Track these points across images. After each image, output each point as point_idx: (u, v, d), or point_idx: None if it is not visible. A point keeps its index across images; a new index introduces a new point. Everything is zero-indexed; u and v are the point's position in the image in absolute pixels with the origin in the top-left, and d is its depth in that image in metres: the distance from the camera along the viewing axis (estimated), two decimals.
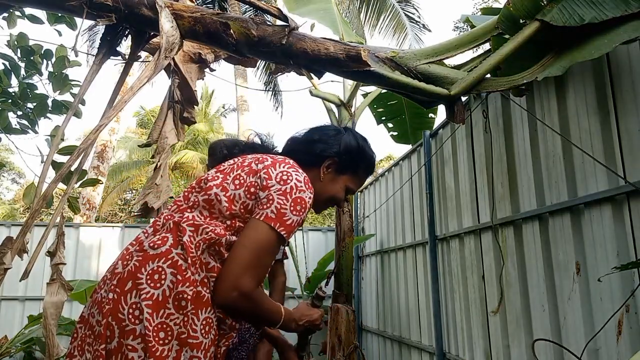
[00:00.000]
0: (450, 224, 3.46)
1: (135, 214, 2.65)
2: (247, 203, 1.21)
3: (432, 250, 3.69)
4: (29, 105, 2.81)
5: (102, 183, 11.56)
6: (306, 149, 1.41)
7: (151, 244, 1.17)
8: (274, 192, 1.20)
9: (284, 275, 2.66)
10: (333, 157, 1.40)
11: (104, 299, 1.14)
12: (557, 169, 2.28)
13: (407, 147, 4.58)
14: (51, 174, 2.15)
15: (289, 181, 1.21)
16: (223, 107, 21.38)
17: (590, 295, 2.03)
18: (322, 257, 5.53)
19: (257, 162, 1.28)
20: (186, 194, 1.28)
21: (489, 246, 2.88)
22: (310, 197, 1.24)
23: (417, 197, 4.18)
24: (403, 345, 4.40)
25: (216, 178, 1.26)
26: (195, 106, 2.75)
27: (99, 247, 6.43)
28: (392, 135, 4.82)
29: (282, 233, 1.18)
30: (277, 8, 2.27)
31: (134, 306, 1.10)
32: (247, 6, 8.77)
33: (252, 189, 1.22)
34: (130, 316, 1.09)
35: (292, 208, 1.19)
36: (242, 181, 1.23)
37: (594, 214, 2.04)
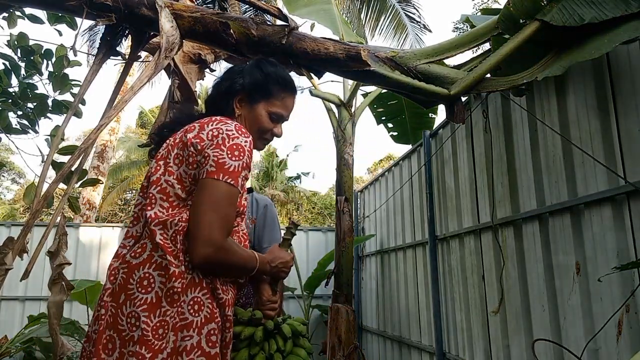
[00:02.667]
0: (450, 224, 3.46)
1: None
2: (192, 173, 1.24)
3: (432, 250, 3.69)
4: (29, 105, 2.80)
5: (102, 183, 11.56)
6: (217, 95, 1.44)
7: (132, 254, 1.21)
8: (208, 149, 1.22)
9: None
10: (240, 91, 1.41)
11: (102, 316, 1.19)
12: (557, 169, 2.28)
13: (407, 147, 4.58)
14: (51, 174, 2.15)
15: (219, 134, 1.24)
16: None
17: (590, 295, 2.03)
18: (322, 257, 5.53)
19: (185, 133, 1.30)
20: (141, 194, 1.31)
21: (489, 246, 2.88)
22: (246, 141, 1.26)
23: (417, 197, 4.18)
24: (403, 345, 4.40)
25: (159, 167, 1.29)
26: (195, 106, 2.74)
27: (98, 247, 6.42)
28: (392, 135, 4.82)
29: (229, 181, 1.19)
30: (277, 8, 2.27)
31: (130, 315, 1.14)
32: (247, 6, 8.76)
33: (191, 159, 1.24)
34: (128, 325, 1.13)
35: (229, 155, 1.21)
36: (180, 158, 1.26)
37: (594, 214, 2.04)
